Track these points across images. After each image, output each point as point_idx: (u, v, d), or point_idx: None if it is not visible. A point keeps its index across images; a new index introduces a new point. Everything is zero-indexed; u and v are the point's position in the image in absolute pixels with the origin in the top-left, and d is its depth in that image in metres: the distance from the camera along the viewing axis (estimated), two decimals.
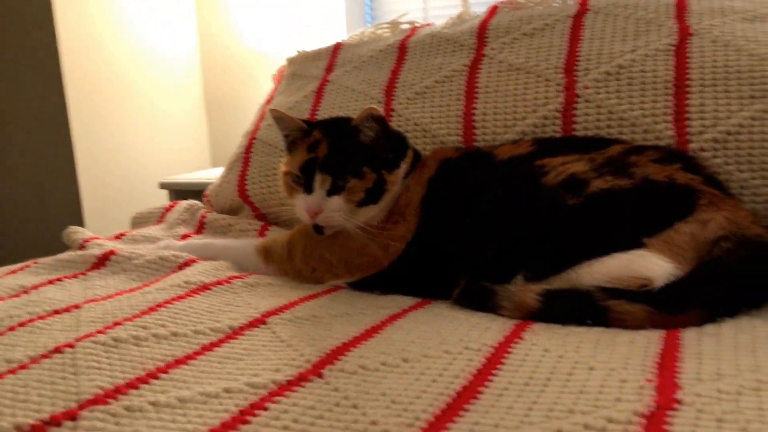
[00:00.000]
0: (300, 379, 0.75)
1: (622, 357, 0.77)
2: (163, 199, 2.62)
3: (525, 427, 0.62)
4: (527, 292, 0.95)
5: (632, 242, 0.94)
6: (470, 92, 1.46)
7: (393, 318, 0.97)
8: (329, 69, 1.73)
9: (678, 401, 0.65)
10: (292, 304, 1.04)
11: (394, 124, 1.49)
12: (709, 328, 0.85)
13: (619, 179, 1.00)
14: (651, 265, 0.92)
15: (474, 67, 1.49)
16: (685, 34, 1.35)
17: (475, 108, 1.44)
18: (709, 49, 1.31)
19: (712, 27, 1.35)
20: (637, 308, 0.88)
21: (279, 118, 1.21)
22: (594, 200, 0.99)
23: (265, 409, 0.69)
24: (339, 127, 1.19)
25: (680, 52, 1.33)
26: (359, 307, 1.04)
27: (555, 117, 1.36)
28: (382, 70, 1.62)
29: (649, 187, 0.99)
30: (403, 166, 1.19)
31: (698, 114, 1.27)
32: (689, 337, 0.82)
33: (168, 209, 1.76)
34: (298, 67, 1.84)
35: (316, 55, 1.83)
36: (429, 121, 1.47)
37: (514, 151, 1.17)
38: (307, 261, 1.21)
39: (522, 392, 0.70)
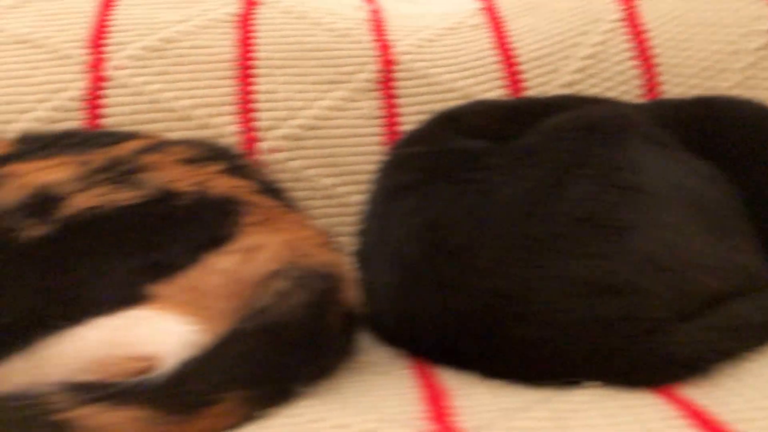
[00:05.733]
0: None
1: None
2: None
3: None
4: None
5: (128, 295, 0.56)
6: None
7: None
8: None
9: None
10: None
11: None
12: None
13: (120, 191, 0.62)
14: (155, 332, 0.55)
15: None
16: (251, 1, 1.04)
17: None
18: (280, 22, 1.01)
19: None
20: (123, 415, 0.50)
21: None
22: (72, 228, 0.59)
23: None
24: None
25: (245, 24, 1.01)
26: None
27: (75, 108, 0.94)
28: None
29: (165, 202, 0.62)
30: None
31: (268, 104, 0.96)
32: None
33: None
34: None
35: None
36: None
37: None
38: None
39: None
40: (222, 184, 0.66)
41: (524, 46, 1.01)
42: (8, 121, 0.93)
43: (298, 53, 0.99)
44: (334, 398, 0.56)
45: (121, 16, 1.01)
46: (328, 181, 0.95)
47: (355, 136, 0.96)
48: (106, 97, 0.95)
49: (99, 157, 0.67)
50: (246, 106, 0.95)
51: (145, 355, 0.53)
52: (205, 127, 0.94)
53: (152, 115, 0.94)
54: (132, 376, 0.53)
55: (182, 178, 0.65)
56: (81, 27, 1.00)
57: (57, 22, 1.00)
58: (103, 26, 1.00)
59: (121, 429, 0.50)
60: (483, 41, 1.02)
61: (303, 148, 0.95)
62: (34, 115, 0.93)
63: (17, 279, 0.56)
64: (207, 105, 0.95)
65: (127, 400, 0.50)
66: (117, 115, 0.94)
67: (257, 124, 0.95)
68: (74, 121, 0.94)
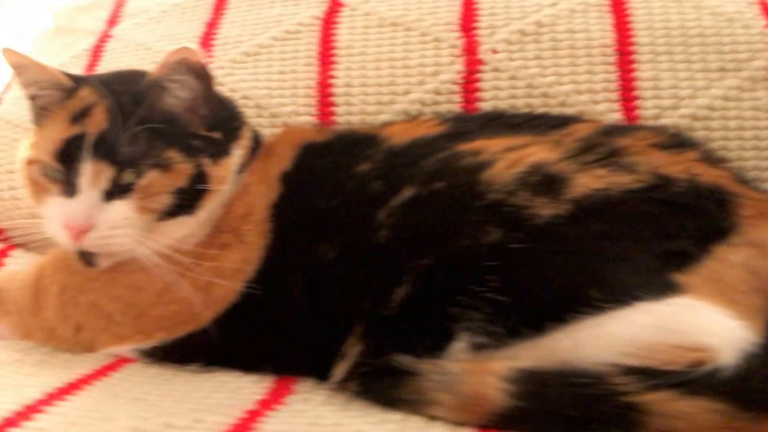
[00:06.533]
0: None
1: None
2: None
3: None
4: (485, 375, 0.52)
5: (659, 282, 0.54)
6: (326, 55, 1.00)
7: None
8: (113, 21, 1.20)
9: None
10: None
11: None
12: None
13: (617, 174, 0.59)
14: (705, 323, 0.52)
15: (329, 20, 1.04)
16: None
17: (333, 77, 0.98)
18: (658, 4, 0.96)
19: None
20: (698, 406, 0.47)
21: (20, 65, 0.68)
22: (586, 209, 0.57)
23: None
24: (126, 83, 0.69)
25: (618, 7, 0.97)
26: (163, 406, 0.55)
27: (451, 91, 0.94)
28: (193, 21, 1.11)
29: (664, 189, 0.59)
30: (238, 153, 0.71)
31: (652, 91, 0.91)
32: None
33: None
34: (65, 20, 1.28)
35: (93, 4, 1.27)
36: (264, 93, 0.99)
37: (414, 132, 0.73)
38: (66, 313, 0.69)
39: None
40: (707, 173, 0.62)
41: None
42: (389, 102, 0.95)
43: (681, 38, 0.93)
44: None
45: None
46: None
47: (748, 128, 0.89)
48: (481, 80, 0.94)
49: (565, 138, 0.65)
50: (628, 94, 0.92)
51: (700, 345, 0.50)
52: (585, 114, 0.91)
53: (529, 100, 0.93)
54: (683, 366, 0.50)
55: (667, 164, 0.62)
56: (449, 10, 1.00)
57: (425, 5, 1.01)
58: (471, 9, 1.00)
59: (696, 419, 0.47)
60: None
61: None
62: (414, 97, 0.95)
63: (546, 257, 0.56)
64: (586, 91, 0.92)
65: (700, 390, 0.48)
66: (493, 99, 0.93)
67: (641, 112, 0.91)
68: (452, 104, 0.94)
